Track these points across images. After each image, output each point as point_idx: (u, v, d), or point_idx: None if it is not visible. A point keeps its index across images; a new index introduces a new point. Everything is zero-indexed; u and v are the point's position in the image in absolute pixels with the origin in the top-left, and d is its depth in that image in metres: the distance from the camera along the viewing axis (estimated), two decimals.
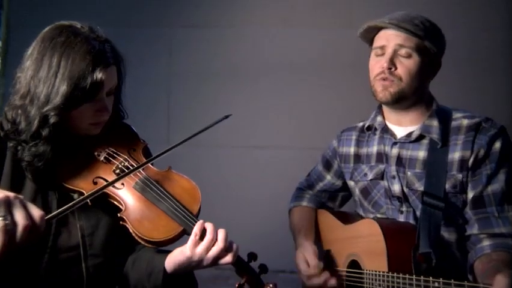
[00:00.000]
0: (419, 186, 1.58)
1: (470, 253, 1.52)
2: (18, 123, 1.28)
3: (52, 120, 1.24)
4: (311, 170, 1.98)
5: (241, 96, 3.21)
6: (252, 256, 1.36)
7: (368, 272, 1.54)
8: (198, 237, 1.26)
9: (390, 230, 1.51)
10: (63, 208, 1.16)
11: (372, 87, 1.62)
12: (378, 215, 1.68)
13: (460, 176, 1.53)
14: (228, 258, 1.28)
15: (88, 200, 1.29)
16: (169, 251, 1.32)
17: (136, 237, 1.28)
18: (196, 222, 1.28)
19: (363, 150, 1.75)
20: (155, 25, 3.24)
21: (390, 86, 1.56)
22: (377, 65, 1.60)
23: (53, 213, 1.14)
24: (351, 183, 1.79)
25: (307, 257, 1.68)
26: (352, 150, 1.78)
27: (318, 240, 1.82)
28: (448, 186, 1.54)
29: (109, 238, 1.36)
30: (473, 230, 1.53)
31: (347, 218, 1.75)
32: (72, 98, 1.24)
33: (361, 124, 1.80)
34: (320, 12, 3.17)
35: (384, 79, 1.56)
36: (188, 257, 1.26)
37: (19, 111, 1.28)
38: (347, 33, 3.15)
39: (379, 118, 1.70)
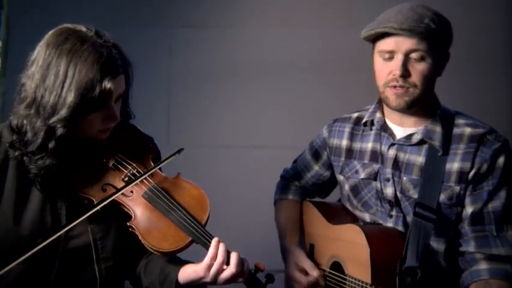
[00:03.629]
0: (414, 194, 1.52)
1: (465, 273, 1.47)
2: (24, 133, 1.25)
3: (59, 132, 1.21)
4: (298, 156, 1.92)
5: (241, 96, 3.21)
6: (259, 268, 1.37)
7: (350, 278, 1.52)
8: (213, 260, 1.26)
9: (376, 240, 1.47)
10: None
11: (382, 93, 1.52)
12: (367, 215, 1.64)
13: (457, 188, 1.47)
14: (240, 279, 1.31)
15: (98, 208, 1.30)
16: (181, 260, 1.33)
17: (145, 246, 1.28)
18: (205, 233, 1.28)
19: (357, 145, 1.67)
20: (155, 25, 3.24)
21: (405, 94, 1.46)
22: (385, 70, 1.49)
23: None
24: (340, 178, 1.72)
25: (303, 265, 1.65)
26: (344, 143, 1.70)
27: (301, 233, 1.82)
28: (443, 197, 1.48)
29: (120, 241, 1.36)
30: (469, 247, 1.47)
31: (332, 214, 1.73)
32: (79, 109, 1.20)
33: (355, 115, 1.72)
34: (319, 12, 3.17)
35: (396, 87, 1.46)
36: (201, 277, 1.27)
37: (24, 121, 1.25)
38: (347, 33, 3.16)
39: (378, 114, 1.61)
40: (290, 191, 1.89)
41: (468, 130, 1.51)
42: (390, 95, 1.49)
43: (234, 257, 1.28)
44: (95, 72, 1.20)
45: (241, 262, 1.29)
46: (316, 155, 1.82)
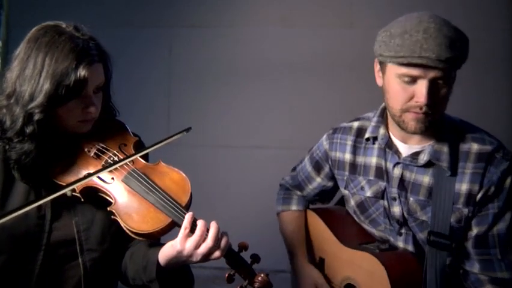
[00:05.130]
0: (421, 215, 1.49)
1: None
2: (3, 122, 1.30)
3: (36, 117, 1.26)
4: (297, 165, 1.86)
5: (241, 96, 3.21)
6: (243, 246, 1.35)
7: None
8: (187, 230, 1.26)
9: (396, 273, 1.43)
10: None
11: (397, 117, 1.42)
12: (375, 231, 1.62)
13: (465, 210, 1.44)
14: (217, 253, 1.28)
15: (81, 196, 1.32)
16: (163, 244, 1.33)
17: (127, 231, 1.29)
18: (184, 213, 1.28)
19: (360, 159, 1.62)
20: (155, 25, 3.24)
21: (425, 119, 1.38)
22: (405, 94, 1.37)
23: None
24: (345, 192, 1.69)
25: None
26: (347, 157, 1.64)
27: (308, 244, 1.78)
28: (452, 220, 1.44)
29: (104, 232, 1.37)
30: (473, 268, 1.46)
31: (340, 230, 1.69)
32: (56, 96, 1.25)
33: (356, 125, 1.65)
34: (320, 12, 3.17)
35: (418, 113, 1.38)
36: (178, 251, 1.26)
37: (4, 111, 1.30)
38: (347, 33, 3.17)
39: (382, 130, 1.54)
40: (293, 200, 1.84)
41: (475, 147, 1.44)
42: (410, 120, 1.39)
43: (212, 230, 1.27)
44: (71, 60, 1.25)
45: (218, 236, 1.28)
46: (317, 166, 1.76)
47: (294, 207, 1.83)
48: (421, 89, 1.34)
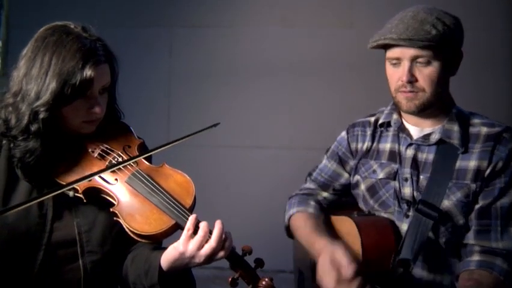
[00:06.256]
0: None
1: (459, 264, 1.51)
2: (9, 120, 1.30)
3: (42, 115, 1.26)
4: (313, 172, 1.82)
5: (241, 96, 3.21)
6: (247, 250, 1.33)
7: None
8: (190, 231, 1.25)
9: (367, 230, 1.51)
10: (50, 194, 1.19)
11: (394, 98, 1.57)
12: (385, 215, 1.62)
13: (473, 186, 1.50)
14: (221, 253, 1.26)
15: (83, 197, 1.31)
16: (166, 248, 1.31)
17: (129, 232, 1.27)
18: (188, 215, 1.27)
19: (374, 146, 1.69)
20: (155, 25, 3.24)
21: (415, 98, 1.51)
22: (394, 76, 1.54)
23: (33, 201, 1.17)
24: (356, 177, 1.71)
25: (342, 262, 1.46)
26: (366, 145, 1.71)
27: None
28: (459, 195, 1.51)
29: (106, 235, 1.36)
30: (469, 239, 1.50)
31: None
32: (61, 95, 1.25)
33: (373, 119, 1.73)
34: (320, 12, 3.17)
35: (406, 92, 1.51)
36: (181, 252, 1.24)
37: (10, 109, 1.30)
38: (347, 33, 3.17)
39: (395, 116, 1.64)
40: (309, 206, 1.75)
41: (484, 129, 1.54)
42: (401, 99, 1.53)
43: (216, 231, 1.25)
44: (77, 59, 1.25)
45: (221, 237, 1.26)
46: (342, 162, 1.76)
47: (311, 209, 1.74)
48: (403, 68, 1.50)
